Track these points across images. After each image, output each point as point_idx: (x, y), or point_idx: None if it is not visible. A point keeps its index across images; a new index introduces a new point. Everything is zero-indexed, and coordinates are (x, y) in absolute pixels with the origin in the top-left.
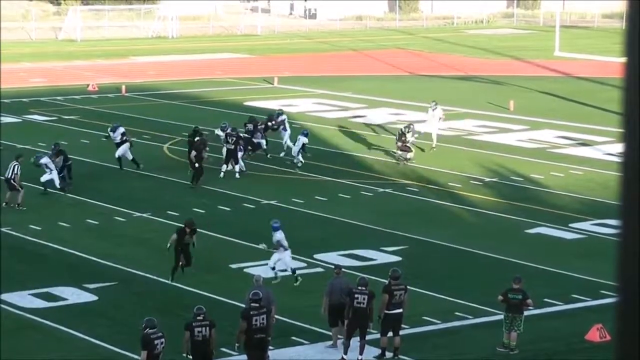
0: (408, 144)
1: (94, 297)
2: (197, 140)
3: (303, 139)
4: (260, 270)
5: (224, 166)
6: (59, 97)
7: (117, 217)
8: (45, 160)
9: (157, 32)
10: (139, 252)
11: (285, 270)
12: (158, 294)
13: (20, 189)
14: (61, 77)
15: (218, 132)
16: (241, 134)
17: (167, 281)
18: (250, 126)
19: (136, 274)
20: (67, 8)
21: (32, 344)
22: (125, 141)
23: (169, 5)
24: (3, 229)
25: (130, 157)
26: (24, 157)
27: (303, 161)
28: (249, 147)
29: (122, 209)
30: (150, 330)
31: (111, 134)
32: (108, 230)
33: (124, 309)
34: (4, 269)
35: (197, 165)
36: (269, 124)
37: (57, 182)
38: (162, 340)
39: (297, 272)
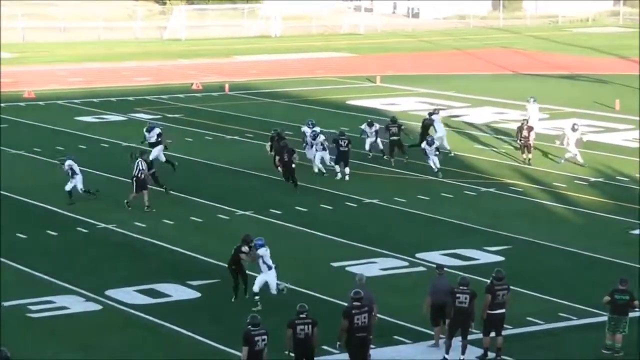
0: (530, 142)
1: (197, 294)
2: (280, 144)
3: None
4: (363, 269)
5: (337, 167)
6: (163, 96)
7: (220, 215)
8: (69, 163)
9: (260, 31)
10: None
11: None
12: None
13: (146, 186)
14: (166, 76)
15: (305, 129)
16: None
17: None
18: (394, 128)
19: None
20: (172, 7)
21: (136, 339)
22: (160, 142)
23: (272, 4)
24: (109, 226)
25: (163, 159)
26: (147, 154)
27: (438, 166)
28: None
29: (225, 207)
30: (252, 327)
31: (146, 134)
32: (211, 228)
33: (226, 306)
34: (109, 265)
35: (280, 168)
36: (426, 120)
37: (80, 187)
38: (264, 337)
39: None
